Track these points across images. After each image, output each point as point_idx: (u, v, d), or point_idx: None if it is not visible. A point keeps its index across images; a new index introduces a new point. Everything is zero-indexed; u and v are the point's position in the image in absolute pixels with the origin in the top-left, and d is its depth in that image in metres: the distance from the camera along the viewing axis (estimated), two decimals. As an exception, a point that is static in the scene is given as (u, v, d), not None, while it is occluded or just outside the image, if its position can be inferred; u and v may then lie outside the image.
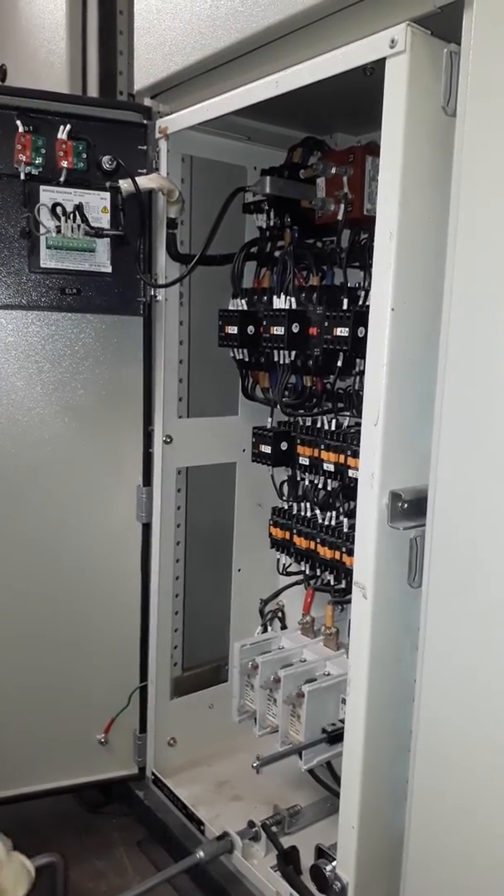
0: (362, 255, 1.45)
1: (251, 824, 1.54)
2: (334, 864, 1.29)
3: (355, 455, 1.37)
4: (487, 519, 1.02)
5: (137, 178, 1.49)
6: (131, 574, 1.76)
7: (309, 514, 1.52)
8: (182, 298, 1.73)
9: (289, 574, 1.65)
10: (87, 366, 1.64)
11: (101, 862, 1.73)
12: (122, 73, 1.79)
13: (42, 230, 1.46)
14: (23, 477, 1.63)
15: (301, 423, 1.54)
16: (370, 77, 1.12)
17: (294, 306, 1.45)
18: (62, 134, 1.44)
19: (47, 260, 1.49)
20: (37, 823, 1.83)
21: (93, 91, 1.79)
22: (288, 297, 1.45)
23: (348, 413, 1.50)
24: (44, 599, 1.68)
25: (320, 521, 1.49)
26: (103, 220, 1.51)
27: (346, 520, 1.45)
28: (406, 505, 1.14)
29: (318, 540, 1.49)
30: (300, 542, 1.54)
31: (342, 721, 1.41)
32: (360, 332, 1.33)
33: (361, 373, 1.38)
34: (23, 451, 1.62)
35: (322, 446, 1.47)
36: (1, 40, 2.10)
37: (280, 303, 1.46)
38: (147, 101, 1.61)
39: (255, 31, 1.28)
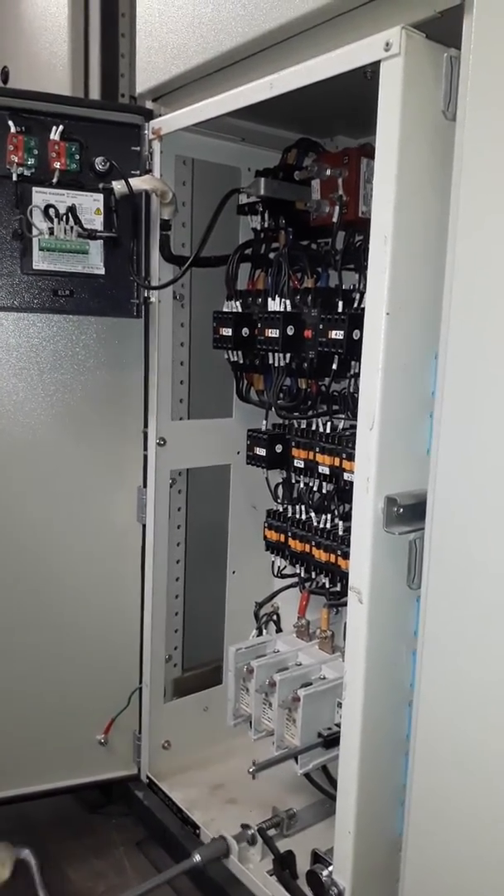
0: (357, 258, 1.45)
1: (245, 827, 1.53)
2: (331, 868, 1.29)
3: (350, 458, 1.37)
4: (487, 523, 1.02)
5: (131, 180, 1.48)
6: (132, 575, 1.75)
7: (304, 516, 1.52)
8: (182, 300, 1.73)
9: (284, 577, 1.65)
10: (88, 368, 1.64)
11: (101, 862, 1.73)
12: (124, 75, 1.79)
13: (34, 232, 1.45)
14: (24, 478, 1.62)
15: (296, 425, 1.54)
16: (370, 80, 1.11)
17: (289, 308, 1.44)
18: (55, 135, 1.43)
19: (40, 262, 1.48)
20: (36, 823, 1.82)
21: (94, 93, 1.79)
22: (283, 300, 1.45)
23: (343, 416, 1.49)
24: (45, 600, 1.68)
25: (315, 523, 1.49)
26: (96, 222, 1.50)
27: (341, 522, 1.44)
28: (402, 510, 1.13)
29: (313, 543, 1.49)
30: (295, 544, 1.53)
31: (338, 725, 1.42)
32: (355, 334, 1.33)
33: (356, 375, 1.38)
34: (24, 452, 1.61)
35: (317, 449, 1.47)
36: (3, 43, 2.09)
37: (275, 305, 1.46)
38: (149, 104, 1.60)
39: (258, 34, 1.27)
